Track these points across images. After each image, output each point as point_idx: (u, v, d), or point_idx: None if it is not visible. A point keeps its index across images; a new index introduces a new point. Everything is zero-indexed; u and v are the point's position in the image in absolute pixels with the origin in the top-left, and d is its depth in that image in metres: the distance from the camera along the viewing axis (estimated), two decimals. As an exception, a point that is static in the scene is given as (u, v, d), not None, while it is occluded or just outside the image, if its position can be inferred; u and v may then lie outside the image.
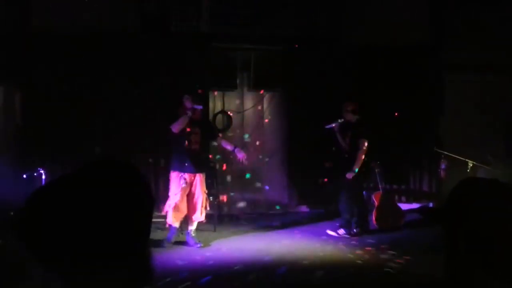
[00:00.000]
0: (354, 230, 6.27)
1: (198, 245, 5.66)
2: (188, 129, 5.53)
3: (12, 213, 6.16)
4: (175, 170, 5.56)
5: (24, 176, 5.79)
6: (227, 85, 7.73)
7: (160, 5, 7.30)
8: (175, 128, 5.43)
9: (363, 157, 6.20)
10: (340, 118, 6.42)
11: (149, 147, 7.10)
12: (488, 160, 6.91)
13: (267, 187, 7.94)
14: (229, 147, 5.93)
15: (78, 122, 6.85)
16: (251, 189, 7.87)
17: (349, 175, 6.16)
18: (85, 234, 0.89)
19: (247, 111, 8.06)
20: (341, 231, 6.27)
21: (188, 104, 5.51)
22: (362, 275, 4.85)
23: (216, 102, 7.93)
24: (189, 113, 5.46)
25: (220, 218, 6.78)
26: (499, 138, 8.12)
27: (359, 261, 5.29)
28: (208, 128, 5.92)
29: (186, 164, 5.48)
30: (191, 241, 5.69)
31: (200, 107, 5.61)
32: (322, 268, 5.02)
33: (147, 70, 7.04)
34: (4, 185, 6.27)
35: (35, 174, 5.75)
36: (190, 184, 5.57)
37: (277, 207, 7.78)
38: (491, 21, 7.72)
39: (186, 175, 5.51)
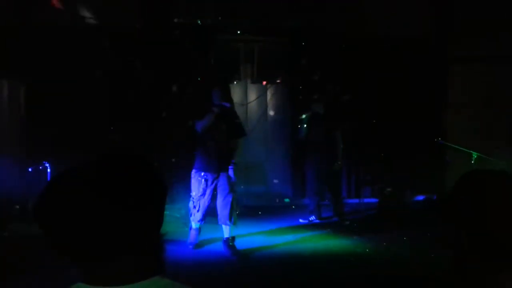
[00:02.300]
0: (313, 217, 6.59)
1: (234, 257, 5.00)
2: (213, 126, 5.06)
3: (17, 207, 6.21)
4: (197, 169, 5.09)
5: (30, 169, 5.83)
6: (230, 77, 7.73)
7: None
8: (200, 127, 5.04)
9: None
10: (310, 110, 6.56)
11: (153, 141, 7.11)
12: (495, 153, 6.88)
13: (275, 180, 7.95)
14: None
15: (83, 115, 6.86)
16: (256, 182, 7.89)
17: (336, 167, 6.42)
18: (99, 224, 0.90)
19: (250, 103, 8.06)
20: (312, 217, 6.63)
21: (215, 100, 5.12)
22: (365, 267, 4.86)
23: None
24: (216, 110, 5.03)
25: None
26: (504, 129, 8.09)
27: (363, 253, 5.31)
28: (234, 126, 5.26)
29: (209, 164, 5.03)
30: (227, 251, 5.10)
31: (227, 104, 5.16)
32: (323, 260, 5.04)
33: (151, 62, 7.03)
34: (10, 179, 6.31)
35: (40, 167, 5.78)
36: (215, 185, 5.09)
37: (286, 200, 7.86)
38: (494, 12, 7.65)
39: (209, 176, 5.04)
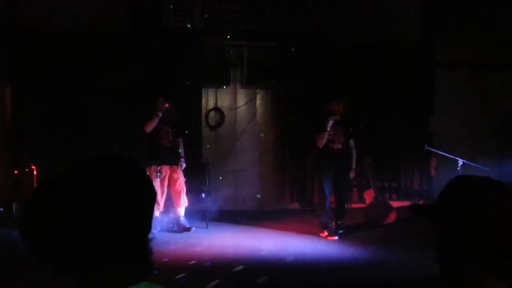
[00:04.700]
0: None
1: (191, 227, 6.17)
2: (159, 127, 6.10)
3: (1, 209, 6.12)
4: (150, 164, 6.00)
5: (16, 171, 5.77)
6: (219, 81, 7.73)
7: (153, 1, 7.27)
8: (147, 128, 6.04)
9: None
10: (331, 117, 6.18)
11: (142, 143, 7.07)
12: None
13: (258, 184, 7.95)
14: (181, 152, 6.34)
15: (69, 118, 6.81)
16: (243, 186, 7.88)
17: (352, 174, 6.26)
18: (86, 229, 0.89)
19: (240, 108, 8.06)
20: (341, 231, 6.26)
21: (159, 105, 6.12)
22: (353, 271, 4.89)
23: (208, 98, 7.92)
24: (159, 114, 6.04)
25: (212, 215, 6.78)
26: (490, 136, 8.21)
27: (350, 257, 5.33)
28: (178, 129, 6.38)
29: (160, 158, 6.03)
30: (182, 227, 6.18)
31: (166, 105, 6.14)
32: (312, 264, 5.05)
33: (139, 65, 7.00)
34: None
35: (26, 170, 5.72)
36: (166, 176, 6.11)
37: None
38: (481, 19, 7.78)
39: (161, 168, 6.02)
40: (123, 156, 1.01)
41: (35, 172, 5.73)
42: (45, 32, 6.75)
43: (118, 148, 7.00)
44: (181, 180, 6.21)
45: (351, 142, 6.27)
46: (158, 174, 5.96)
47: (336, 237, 6.01)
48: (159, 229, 6.04)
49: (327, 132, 6.05)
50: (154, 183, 5.70)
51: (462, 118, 8.09)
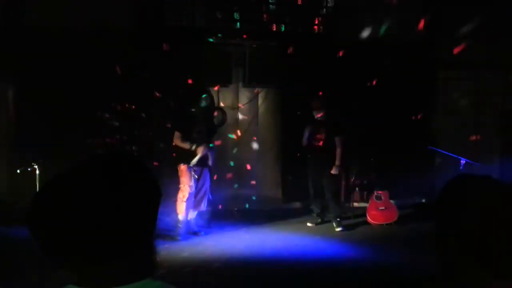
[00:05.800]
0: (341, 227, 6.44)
1: (199, 232, 6.11)
2: (196, 130, 5.98)
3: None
4: (186, 163, 5.89)
5: (18, 171, 5.77)
6: (221, 80, 7.73)
7: (155, 0, 7.28)
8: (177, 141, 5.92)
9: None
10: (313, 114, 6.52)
11: (144, 141, 7.09)
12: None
13: (260, 183, 7.95)
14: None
15: (72, 117, 6.82)
16: (244, 185, 7.88)
17: (335, 171, 6.32)
18: (91, 226, 0.90)
19: (242, 107, 8.06)
20: (319, 220, 6.71)
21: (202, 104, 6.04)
22: (354, 270, 4.89)
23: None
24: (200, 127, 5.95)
25: (215, 214, 6.79)
26: (492, 135, 8.18)
27: (352, 256, 5.33)
28: (211, 129, 6.33)
29: (195, 159, 5.88)
30: (191, 229, 6.09)
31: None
32: (315, 263, 5.05)
33: (142, 64, 7.01)
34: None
35: (29, 169, 5.72)
36: (200, 177, 6.04)
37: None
38: (483, 18, 7.76)
39: (197, 169, 5.95)
40: (129, 154, 1.02)
41: (37, 171, 5.73)
42: (47, 31, 6.77)
43: (118, 147, 7.00)
44: (208, 184, 6.15)
45: (337, 139, 6.35)
46: (194, 174, 5.89)
47: (310, 224, 6.60)
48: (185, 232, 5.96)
49: (307, 130, 6.43)
50: (190, 183, 5.69)
51: (464, 118, 8.06)
